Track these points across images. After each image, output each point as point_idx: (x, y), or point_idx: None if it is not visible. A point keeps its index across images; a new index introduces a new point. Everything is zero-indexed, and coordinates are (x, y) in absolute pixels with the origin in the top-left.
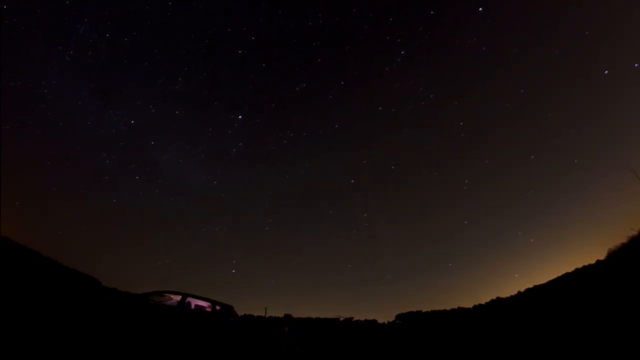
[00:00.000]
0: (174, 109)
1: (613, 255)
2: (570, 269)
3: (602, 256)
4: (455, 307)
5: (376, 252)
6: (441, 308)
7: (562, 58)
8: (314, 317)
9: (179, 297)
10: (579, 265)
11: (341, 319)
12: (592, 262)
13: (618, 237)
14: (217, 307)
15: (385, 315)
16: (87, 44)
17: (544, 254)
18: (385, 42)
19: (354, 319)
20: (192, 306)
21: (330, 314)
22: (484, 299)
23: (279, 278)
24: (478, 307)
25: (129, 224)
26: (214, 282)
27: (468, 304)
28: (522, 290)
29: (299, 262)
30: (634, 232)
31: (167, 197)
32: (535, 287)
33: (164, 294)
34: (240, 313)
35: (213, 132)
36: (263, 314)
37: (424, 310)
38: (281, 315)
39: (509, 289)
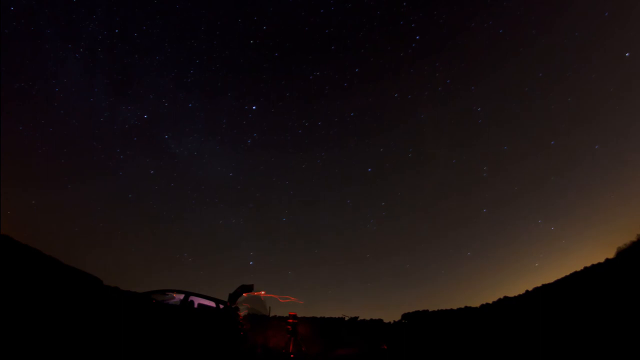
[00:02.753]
0: (187, 102)
1: (622, 253)
2: (579, 267)
3: (611, 254)
4: (463, 306)
5: (390, 245)
6: (454, 305)
7: (579, 42)
8: (318, 316)
9: (182, 296)
10: (587, 264)
11: (346, 318)
12: (602, 260)
13: (627, 235)
14: (221, 306)
15: (391, 315)
16: (97, 41)
17: (568, 244)
18: (399, 27)
19: (359, 319)
20: (196, 305)
21: (336, 314)
22: (499, 293)
23: (284, 277)
24: (485, 307)
25: (141, 219)
26: (222, 279)
27: (483, 299)
28: (530, 289)
29: (305, 261)
30: None
31: (184, 190)
32: (544, 285)
33: (167, 293)
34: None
35: (227, 123)
36: (267, 313)
37: (430, 309)
38: (285, 314)
39: (529, 281)
